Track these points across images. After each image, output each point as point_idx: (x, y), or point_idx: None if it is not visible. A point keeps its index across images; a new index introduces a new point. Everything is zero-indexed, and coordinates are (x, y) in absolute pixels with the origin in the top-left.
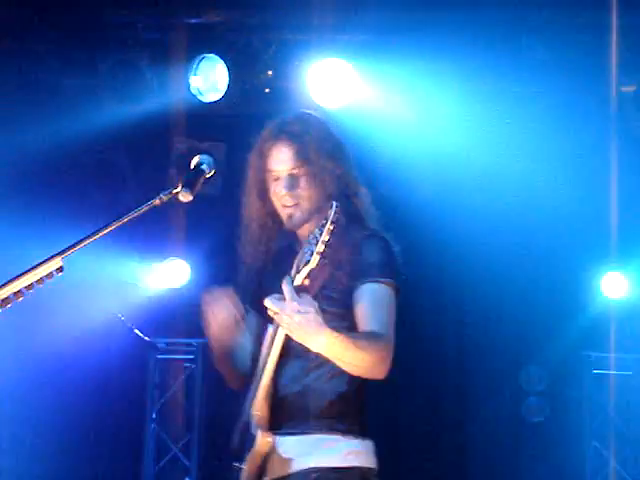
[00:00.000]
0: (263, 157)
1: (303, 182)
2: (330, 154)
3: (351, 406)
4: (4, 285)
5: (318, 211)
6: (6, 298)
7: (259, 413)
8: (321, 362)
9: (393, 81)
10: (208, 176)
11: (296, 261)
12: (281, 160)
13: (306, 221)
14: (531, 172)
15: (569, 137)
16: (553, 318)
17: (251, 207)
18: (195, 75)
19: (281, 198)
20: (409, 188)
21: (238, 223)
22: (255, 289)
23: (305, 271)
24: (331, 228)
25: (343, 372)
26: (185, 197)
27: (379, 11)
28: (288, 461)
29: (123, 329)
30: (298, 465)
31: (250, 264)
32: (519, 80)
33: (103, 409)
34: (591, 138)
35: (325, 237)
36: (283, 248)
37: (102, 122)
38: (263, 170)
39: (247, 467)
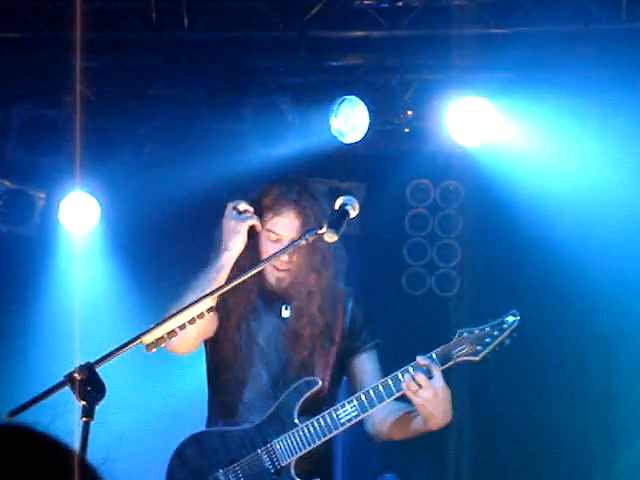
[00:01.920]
0: (263, 215)
1: (302, 251)
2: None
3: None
4: (158, 325)
5: None
6: (160, 337)
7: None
8: None
9: (532, 118)
10: (352, 217)
11: (445, 348)
12: (287, 227)
13: None
14: None
15: None
16: None
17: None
18: (336, 117)
19: (276, 260)
20: (549, 225)
21: (378, 261)
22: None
23: (458, 360)
24: (506, 335)
25: None
26: (330, 237)
27: (518, 49)
28: None
29: None
30: None
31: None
32: None
33: None
34: None
35: (499, 341)
36: None
37: (246, 165)
38: (259, 225)
39: None
